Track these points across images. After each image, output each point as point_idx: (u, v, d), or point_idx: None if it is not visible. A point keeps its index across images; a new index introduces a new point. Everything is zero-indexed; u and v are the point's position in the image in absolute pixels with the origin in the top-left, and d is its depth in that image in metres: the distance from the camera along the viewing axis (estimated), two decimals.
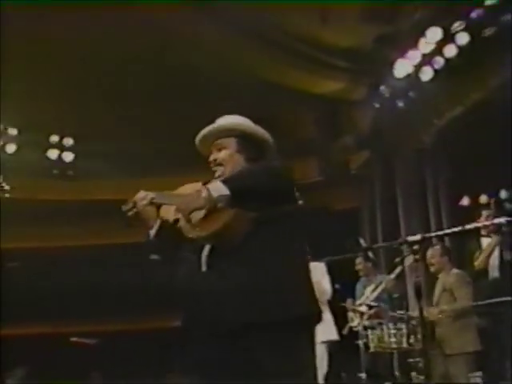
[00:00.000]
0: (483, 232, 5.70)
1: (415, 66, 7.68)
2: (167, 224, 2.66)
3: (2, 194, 9.03)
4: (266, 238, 2.47)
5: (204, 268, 2.55)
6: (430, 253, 5.58)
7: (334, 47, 7.75)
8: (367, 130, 9.01)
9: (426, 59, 7.55)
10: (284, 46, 7.65)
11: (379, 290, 6.00)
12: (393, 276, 5.89)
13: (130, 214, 2.69)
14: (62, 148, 9.33)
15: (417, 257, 3.66)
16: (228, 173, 2.65)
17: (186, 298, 2.62)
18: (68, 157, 9.37)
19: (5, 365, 9.87)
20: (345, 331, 6.12)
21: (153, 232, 2.70)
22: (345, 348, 6.17)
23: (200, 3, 6.50)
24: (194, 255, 2.59)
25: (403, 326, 5.39)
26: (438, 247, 5.64)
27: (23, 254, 12.02)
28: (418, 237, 3.59)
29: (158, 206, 2.69)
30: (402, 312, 5.60)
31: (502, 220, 4.41)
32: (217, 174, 2.69)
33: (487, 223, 5.18)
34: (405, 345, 5.34)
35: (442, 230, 7.09)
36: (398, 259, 5.57)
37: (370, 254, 6.39)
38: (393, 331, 5.43)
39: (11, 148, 9.02)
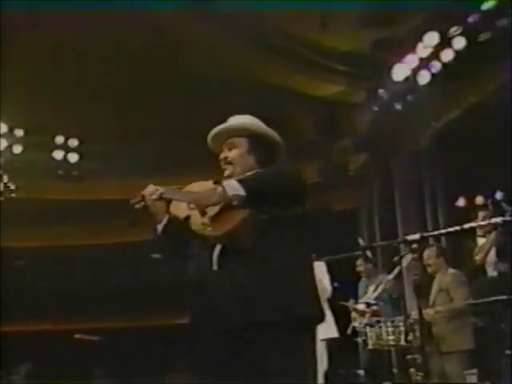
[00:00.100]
0: (479, 232, 5.70)
1: (413, 70, 7.68)
2: (176, 220, 2.63)
3: (8, 194, 9.09)
4: (276, 240, 2.44)
5: (215, 267, 2.50)
6: (426, 254, 5.57)
7: (333, 51, 7.76)
8: (366, 133, 9.02)
9: (424, 63, 7.55)
10: (285, 50, 7.65)
11: (379, 289, 6.00)
12: (391, 277, 5.89)
13: (137, 206, 2.66)
14: (67, 149, 9.32)
15: (415, 255, 3.65)
16: (237, 172, 2.62)
17: (195, 295, 2.59)
18: (73, 157, 9.36)
19: (10, 361, 9.87)
20: (349, 331, 6.12)
21: (161, 227, 2.67)
22: (344, 345, 6.17)
23: (200, 4, 6.47)
24: (204, 252, 2.55)
25: (401, 323, 5.37)
26: (434, 248, 5.64)
27: (29, 253, 12.03)
28: (416, 236, 3.59)
29: (168, 202, 2.65)
30: (399, 310, 5.59)
31: (499, 220, 4.40)
32: (226, 173, 2.67)
33: (484, 223, 5.17)
34: (402, 342, 5.32)
35: (438, 230, 7.10)
36: (396, 258, 5.59)
37: (369, 254, 6.39)
38: (391, 329, 5.41)
39: (17, 149, 9.01)
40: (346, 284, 6.61)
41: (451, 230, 3.59)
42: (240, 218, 2.40)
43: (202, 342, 2.52)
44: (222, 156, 2.70)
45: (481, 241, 5.76)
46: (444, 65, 7.36)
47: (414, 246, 3.58)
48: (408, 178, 8.72)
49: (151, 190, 2.64)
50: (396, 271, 5.85)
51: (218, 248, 2.52)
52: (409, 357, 5.20)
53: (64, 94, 7.83)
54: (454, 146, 8.10)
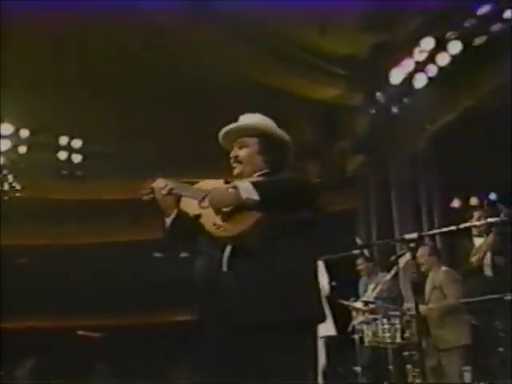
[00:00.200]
0: (475, 232, 5.69)
1: (409, 74, 7.68)
2: (185, 216, 2.59)
3: (13, 194, 9.07)
4: (285, 243, 2.43)
5: (224, 268, 2.46)
6: (419, 252, 5.57)
7: (332, 55, 7.76)
8: (363, 135, 9.01)
9: (420, 67, 7.55)
10: (284, 53, 7.65)
11: (378, 288, 6.00)
12: (388, 277, 5.90)
13: (145, 198, 2.64)
14: (70, 149, 9.31)
15: (413, 254, 3.65)
16: (247, 172, 2.62)
17: (203, 295, 2.53)
18: (76, 158, 9.34)
19: (14, 357, 9.87)
20: (349, 329, 6.11)
21: (169, 221, 2.64)
22: (341, 343, 6.15)
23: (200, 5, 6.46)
24: (213, 250, 2.51)
25: (397, 321, 5.36)
26: (426, 247, 5.63)
27: (33, 251, 12.01)
28: (414, 235, 3.58)
29: (178, 197, 2.62)
30: (396, 308, 5.58)
31: (496, 219, 4.40)
32: (235, 172, 2.66)
33: (481, 223, 5.17)
34: (398, 339, 5.32)
35: (434, 230, 7.10)
36: (393, 257, 5.58)
37: (366, 253, 6.37)
38: (387, 326, 5.41)
39: (22, 149, 8.99)
40: (345, 283, 6.59)
41: (448, 229, 3.58)
42: (252, 221, 2.39)
43: (209, 341, 2.49)
44: (232, 154, 2.68)
45: (477, 241, 5.75)
46: (440, 69, 7.37)
47: (412, 245, 3.57)
48: (404, 179, 8.71)
49: (161, 185, 2.61)
50: (393, 272, 5.85)
51: (228, 249, 2.47)
52: (405, 353, 5.19)
53: (68, 95, 7.81)
54: (450, 149, 8.10)
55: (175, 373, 9.99)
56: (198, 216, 2.53)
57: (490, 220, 4.86)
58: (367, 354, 5.95)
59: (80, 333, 11.40)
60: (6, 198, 8.92)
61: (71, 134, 9.19)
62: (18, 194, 8.98)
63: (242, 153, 2.66)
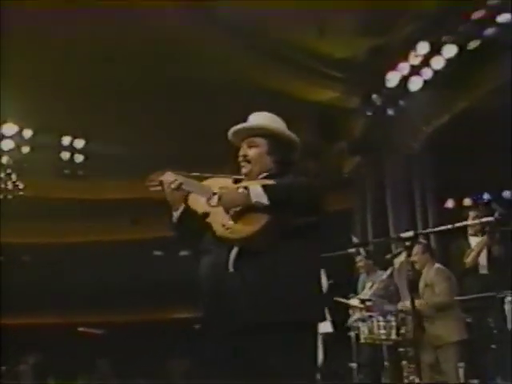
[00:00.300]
0: (470, 231, 5.69)
1: (405, 77, 7.70)
2: (192, 212, 2.56)
3: (16, 192, 9.07)
4: (289, 246, 2.40)
5: (231, 269, 2.42)
6: (413, 251, 5.56)
7: (330, 58, 7.76)
8: (360, 136, 9.02)
9: (416, 70, 7.57)
10: (283, 56, 7.65)
11: (375, 287, 6.00)
12: (385, 276, 5.90)
13: (153, 189, 2.61)
14: (72, 149, 9.30)
15: (409, 252, 3.64)
16: (255, 171, 2.59)
17: (209, 294, 2.49)
18: (79, 158, 9.34)
19: (17, 353, 9.86)
20: (348, 324, 6.11)
21: (176, 215, 2.61)
22: (337, 340, 6.15)
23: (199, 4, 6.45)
24: (219, 250, 2.47)
25: (392, 318, 5.36)
26: (419, 245, 5.62)
27: (36, 249, 12.01)
28: (410, 233, 3.57)
29: (186, 193, 2.58)
30: (392, 306, 5.58)
31: (491, 219, 4.40)
32: (244, 171, 2.62)
33: (475, 222, 5.17)
34: (393, 336, 5.31)
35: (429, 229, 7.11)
36: (389, 256, 5.58)
37: (362, 251, 6.36)
38: (382, 323, 5.40)
39: (25, 149, 8.99)
40: (341, 280, 6.59)
41: (443, 228, 3.58)
42: (260, 224, 2.36)
43: (213, 340, 2.47)
44: (241, 153, 2.64)
45: (473, 240, 5.76)
46: (435, 72, 7.38)
47: (408, 243, 3.56)
48: (400, 179, 8.72)
49: (170, 179, 2.57)
50: (389, 271, 5.86)
51: (235, 250, 2.43)
52: (401, 349, 5.19)
53: (70, 96, 7.80)
54: (444, 150, 8.12)
55: (173, 367, 9.99)
56: (206, 214, 2.50)
57: (484, 220, 4.86)
58: (363, 350, 5.94)
59: (81, 329, 11.37)
60: (9, 196, 8.92)
61: (73, 134, 9.18)
62: (21, 193, 8.99)
63: (252, 152, 2.61)
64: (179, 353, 10.10)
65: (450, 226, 3.55)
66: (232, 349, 2.38)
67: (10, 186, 9.00)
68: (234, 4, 6.33)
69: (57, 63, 7.25)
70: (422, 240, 5.87)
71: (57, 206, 10.25)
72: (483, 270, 5.66)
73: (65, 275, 12.16)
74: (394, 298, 5.70)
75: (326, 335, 5.83)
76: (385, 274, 5.95)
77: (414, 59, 7.44)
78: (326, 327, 5.83)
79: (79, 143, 9.26)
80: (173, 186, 2.56)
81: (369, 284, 6.28)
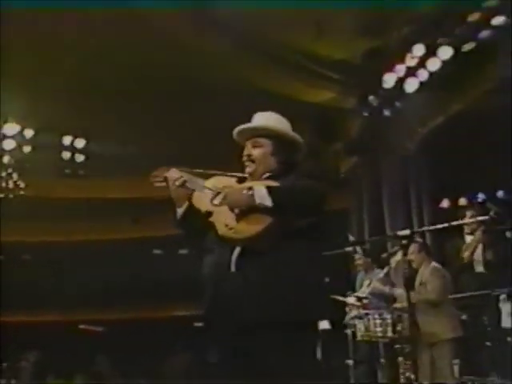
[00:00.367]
0: (467, 230, 5.70)
1: (401, 78, 7.69)
2: (196, 211, 2.54)
3: (17, 192, 9.06)
4: (291, 247, 2.40)
5: (233, 268, 2.41)
6: (409, 250, 5.55)
7: (327, 60, 7.76)
8: (356, 137, 9.03)
9: (412, 72, 7.56)
10: (281, 57, 7.65)
11: (372, 285, 6.00)
12: (381, 275, 5.91)
13: (157, 185, 2.59)
14: (74, 149, 9.29)
15: (405, 250, 3.64)
16: (259, 171, 2.58)
17: (211, 293, 2.48)
18: (79, 157, 9.32)
19: (18, 350, 9.84)
20: (345, 322, 6.11)
21: (180, 211, 2.59)
22: (334, 337, 6.15)
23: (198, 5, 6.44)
24: (222, 249, 2.46)
25: (388, 316, 5.36)
26: (415, 244, 5.61)
27: (36, 248, 11.99)
28: (407, 231, 3.56)
29: (191, 191, 2.56)
30: (388, 304, 5.58)
31: (486, 217, 4.40)
32: (248, 170, 2.60)
33: (471, 221, 5.17)
34: (389, 334, 5.31)
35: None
36: (385, 254, 5.58)
37: (359, 250, 6.36)
38: (378, 321, 5.40)
39: (27, 148, 8.97)
40: (340, 279, 6.59)
41: (440, 226, 3.57)
42: (263, 225, 2.35)
43: (214, 339, 2.46)
44: (245, 152, 2.63)
45: (469, 239, 5.76)
46: (431, 73, 7.38)
47: (404, 241, 3.55)
48: (395, 180, 8.72)
49: (175, 177, 2.55)
50: (385, 270, 5.86)
51: (237, 250, 2.42)
52: (397, 346, 5.19)
53: (71, 96, 7.79)
54: (439, 151, 8.12)
55: (174, 365, 9.97)
56: (209, 213, 2.48)
57: (480, 218, 4.86)
58: (360, 347, 5.94)
59: (82, 327, 11.35)
60: (10, 195, 8.91)
61: (74, 134, 9.17)
62: (22, 192, 8.98)
63: (256, 152, 2.60)
64: (180, 350, 10.09)
65: (446, 224, 3.54)
66: (233, 347, 2.37)
67: (11, 185, 8.99)
68: (233, 4, 6.30)
69: (57, 64, 7.24)
70: (417, 239, 5.88)
71: (57, 205, 10.24)
72: (479, 269, 5.66)
73: (65, 273, 12.15)
74: (391, 296, 5.70)
75: (323, 332, 5.83)
76: (382, 273, 5.96)
77: (411, 61, 7.44)
78: (323, 324, 5.83)
79: (80, 143, 9.24)
80: (177, 183, 2.54)
81: (366, 282, 6.28)
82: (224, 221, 2.42)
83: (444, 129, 7.87)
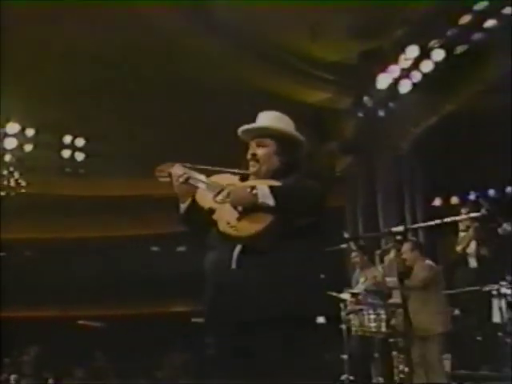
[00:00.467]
0: (462, 227, 5.73)
1: (395, 80, 7.71)
2: (199, 208, 2.54)
3: (18, 190, 9.05)
4: (291, 245, 2.40)
5: (234, 266, 2.40)
6: (403, 249, 5.57)
7: (323, 61, 7.77)
8: (351, 137, 9.04)
9: (405, 73, 7.58)
10: (278, 59, 7.66)
11: (368, 282, 6.02)
12: (376, 272, 5.93)
13: (161, 180, 2.59)
14: (73, 148, 9.28)
15: (399, 247, 3.65)
16: (263, 171, 2.57)
17: (212, 290, 2.47)
18: (79, 156, 9.31)
19: (21, 343, 9.84)
20: (342, 316, 6.13)
21: (184, 207, 2.59)
22: (329, 331, 6.15)
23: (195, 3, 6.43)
24: (222, 245, 2.45)
25: (382, 311, 5.38)
26: (408, 243, 5.63)
27: (37, 245, 11.97)
28: (401, 228, 3.58)
29: (194, 187, 2.55)
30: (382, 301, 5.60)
31: (478, 214, 4.43)
32: (252, 170, 2.59)
33: (463, 217, 5.20)
34: (383, 329, 5.33)
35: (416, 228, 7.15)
36: (379, 251, 5.60)
37: (353, 246, 6.35)
38: (372, 316, 5.42)
39: (28, 147, 8.95)
40: (335, 275, 6.60)
41: (433, 223, 3.59)
42: (265, 223, 2.35)
43: (215, 336, 2.46)
44: (250, 151, 2.62)
45: (463, 235, 5.80)
46: (424, 75, 7.40)
47: (398, 237, 3.57)
48: (389, 178, 8.75)
49: (179, 173, 2.55)
50: (380, 267, 5.88)
51: (238, 247, 2.41)
52: (391, 340, 5.21)
53: (71, 96, 7.78)
54: (432, 150, 8.16)
55: (173, 361, 9.97)
56: (212, 211, 2.48)
57: (473, 214, 4.89)
58: (354, 342, 5.95)
59: (81, 322, 11.34)
60: (12, 193, 8.90)
61: (74, 133, 9.16)
62: (23, 190, 8.97)
63: (260, 152, 2.59)
64: (179, 346, 10.10)
65: (439, 221, 3.56)
66: (232, 343, 2.38)
67: (12, 183, 8.98)
68: (232, 4, 6.30)
69: (58, 64, 7.23)
70: (411, 238, 5.90)
71: (57, 202, 10.23)
72: (473, 264, 5.70)
73: (65, 270, 12.13)
74: (386, 289, 5.72)
75: (319, 327, 5.83)
76: (376, 270, 5.97)
77: (404, 62, 7.46)
78: (319, 319, 5.84)
79: (80, 142, 9.23)
80: (181, 179, 2.54)
81: (362, 279, 6.29)
82: (226, 218, 2.41)
83: (436, 129, 7.91)
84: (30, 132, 8.81)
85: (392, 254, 5.30)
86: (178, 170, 2.57)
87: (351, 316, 5.61)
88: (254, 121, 2.71)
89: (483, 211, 4.60)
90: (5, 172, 8.92)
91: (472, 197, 7.93)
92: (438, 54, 7.13)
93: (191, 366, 9.31)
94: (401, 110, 8.03)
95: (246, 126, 2.65)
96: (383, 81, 7.81)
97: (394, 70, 7.63)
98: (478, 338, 5.67)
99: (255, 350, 2.34)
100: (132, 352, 10.46)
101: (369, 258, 6.42)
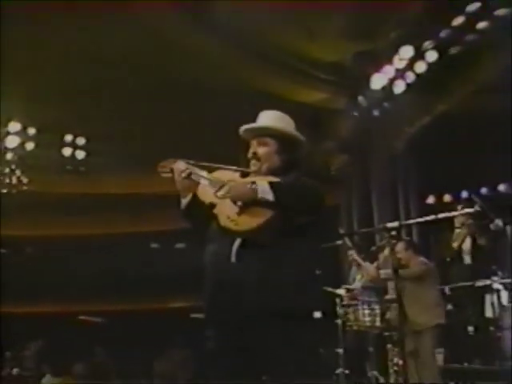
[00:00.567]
0: (457, 224, 5.75)
1: (390, 80, 7.72)
2: (201, 203, 2.55)
3: (20, 187, 9.03)
4: (292, 243, 2.41)
5: (233, 259, 2.41)
6: (397, 249, 5.56)
7: (319, 62, 7.77)
8: (346, 136, 9.05)
9: (399, 74, 7.59)
10: (274, 59, 7.66)
11: (364, 279, 6.05)
12: (372, 270, 5.94)
13: (163, 175, 2.60)
14: (74, 146, 9.27)
15: (394, 244, 3.66)
16: (264, 169, 2.59)
17: (211, 284, 2.48)
18: (80, 154, 9.30)
19: (22, 339, 9.83)
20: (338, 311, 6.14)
21: (185, 202, 2.60)
22: (324, 326, 6.16)
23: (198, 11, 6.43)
24: (222, 239, 2.46)
25: (377, 307, 5.40)
26: (402, 243, 5.63)
27: (38, 241, 11.96)
28: (396, 223, 3.59)
29: (196, 183, 2.57)
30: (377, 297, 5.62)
31: (471, 210, 4.44)
32: (253, 168, 2.61)
33: (456, 214, 5.21)
34: (378, 323, 5.35)
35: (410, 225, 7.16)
36: (373, 248, 5.60)
37: (348, 243, 6.35)
38: (367, 311, 5.44)
39: (29, 146, 8.95)
40: (331, 271, 6.60)
41: (427, 219, 3.60)
42: (264, 218, 2.36)
43: (214, 329, 2.46)
44: (251, 150, 2.64)
45: (458, 231, 5.82)
46: (418, 75, 7.41)
47: (393, 233, 3.57)
48: (383, 177, 8.76)
49: (181, 168, 2.56)
50: (375, 264, 5.89)
51: (237, 241, 2.43)
52: (386, 333, 5.22)
53: (72, 95, 7.76)
54: (426, 149, 8.17)
55: (172, 356, 9.96)
56: (213, 205, 2.49)
57: (466, 210, 4.90)
58: (349, 336, 5.96)
59: (81, 318, 11.31)
60: (13, 191, 8.90)
61: (75, 132, 9.15)
62: (24, 188, 8.96)
63: (261, 151, 2.61)
64: (178, 342, 10.09)
65: (433, 217, 3.57)
66: (232, 336, 2.38)
67: (14, 181, 8.97)
68: (232, 4, 6.29)
69: (59, 64, 7.21)
70: (404, 238, 5.91)
71: (58, 200, 10.21)
72: (467, 260, 5.72)
73: (65, 266, 12.11)
74: (381, 289, 5.73)
75: (315, 321, 5.84)
76: (372, 267, 5.98)
77: (399, 63, 7.47)
78: (316, 314, 5.84)
79: (81, 141, 9.23)
80: (183, 174, 2.55)
81: (359, 276, 6.31)
82: (226, 213, 2.42)
83: (430, 129, 7.92)
84: (31, 131, 8.81)
85: (386, 251, 5.31)
86: (180, 165, 2.58)
87: (348, 309, 5.62)
88: (253, 120, 2.73)
89: (476, 208, 4.62)
90: (7, 170, 8.91)
91: (465, 194, 7.94)
92: (432, 55, 7.14)
93: (191, 362, 9.31)
94: (395, 109, 8.04)
95: (246, 126, 2.66)
96: (378, 81, 7.81)
97: (389, 71, 7.64)
98: (470, 333, 5.68)
99: (253, 343, 2.34)
100: (131, 347, 10.45)
101: (364, 256, 6.43)
